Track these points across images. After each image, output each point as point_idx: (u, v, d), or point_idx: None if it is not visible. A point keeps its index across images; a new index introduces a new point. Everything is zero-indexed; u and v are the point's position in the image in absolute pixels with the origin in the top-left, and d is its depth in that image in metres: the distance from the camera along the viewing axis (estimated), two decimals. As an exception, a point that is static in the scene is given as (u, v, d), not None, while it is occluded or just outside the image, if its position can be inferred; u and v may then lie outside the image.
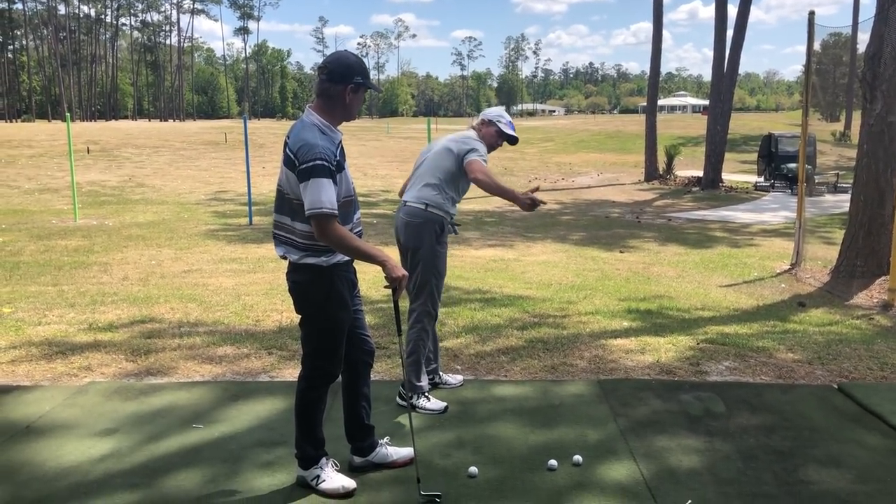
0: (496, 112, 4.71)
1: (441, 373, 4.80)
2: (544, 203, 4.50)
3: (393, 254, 3.71)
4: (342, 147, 3.30)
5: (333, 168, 3.12)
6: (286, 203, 3.25)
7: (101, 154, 30.11)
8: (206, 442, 3.93)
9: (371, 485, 3.48)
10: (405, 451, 3.71)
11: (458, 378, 4.85)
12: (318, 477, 3.38)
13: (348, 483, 3.39)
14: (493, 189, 4.30)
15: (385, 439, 3.75)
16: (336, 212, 3.10)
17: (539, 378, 4.99)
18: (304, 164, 3.07)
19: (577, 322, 6.55)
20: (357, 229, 3.35)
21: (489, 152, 4.56)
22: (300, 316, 3.38)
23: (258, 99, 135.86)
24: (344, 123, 3.34)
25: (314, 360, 3.38)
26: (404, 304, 4.13)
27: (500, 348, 5.64)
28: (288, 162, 3.16)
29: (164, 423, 4.16)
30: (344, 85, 3.21)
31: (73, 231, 12.69)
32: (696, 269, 10.39)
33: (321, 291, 3.27)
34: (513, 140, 4.67)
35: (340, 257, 3.28)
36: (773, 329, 6.57)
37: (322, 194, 3.05)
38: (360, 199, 19.08)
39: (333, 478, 3.40)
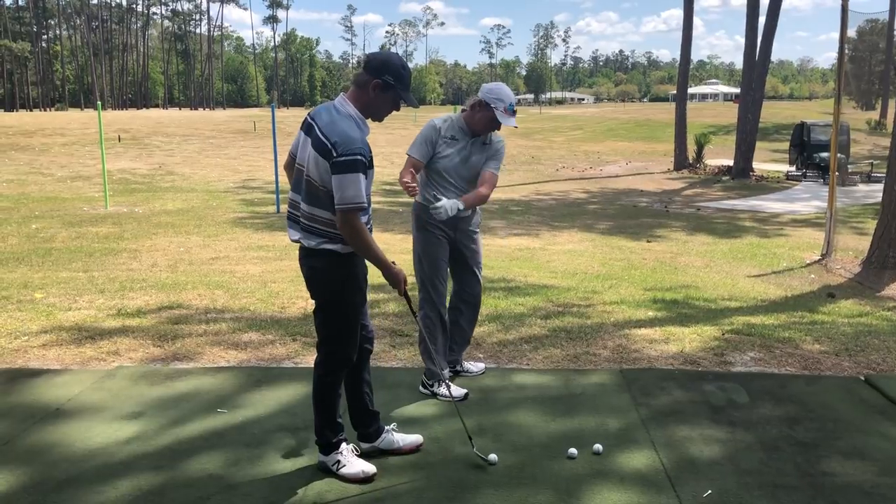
0: (495, 93, 4.21)
1: (463, 361, 4.81)
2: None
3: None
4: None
5: (367, 164, 3.14)
6: (312, 189, 3.22)
7: (131, 142, 30.48)
8: (229, 426, 3.98)
9: (391, 470, 3.51)
10: (412, 438, 3.73)
11: (480, 366, 4.86)
12: (338, 462, 3.42)
13: (368, 468, 3.42)
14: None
15: (392, 426, 3.76)
16: (364, 205, 3.14)
17: (561, 367, 4.99)
18: (344, 156, 3.06)
19: (601, 311, 6.52)
20: (369, 224, 3.35)
21: (475, 138, 4.33)
22: (316, 302, 3.40)
23: (287, 87, 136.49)
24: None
25: (331, 346, 3.41)
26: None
27: (523, 337, 5.64)
28: (322, 150, 3.12)
29: (189, 407, 4.23)
30: (372, 77, 3.20)
31: (104, 218, 12.88)
32: (724, 258, 10.29)
33: (339, 276, 3.30)
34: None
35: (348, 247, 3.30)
36: (800, 320, 6.50)
37: (359, 188, 3.08)
38: (387, 187, 19.13)
39: (353, 463, 3.43)
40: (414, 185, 4.11)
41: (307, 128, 3.27)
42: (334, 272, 3.30)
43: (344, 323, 3.37)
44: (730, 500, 3.24)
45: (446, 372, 4.50)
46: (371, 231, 3.35)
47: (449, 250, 4.48)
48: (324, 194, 3.18)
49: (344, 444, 3.47)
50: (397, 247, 10.25)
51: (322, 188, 3.18)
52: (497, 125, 4.28)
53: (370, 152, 3.17)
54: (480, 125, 4.29)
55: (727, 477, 3.44)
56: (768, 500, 3.24)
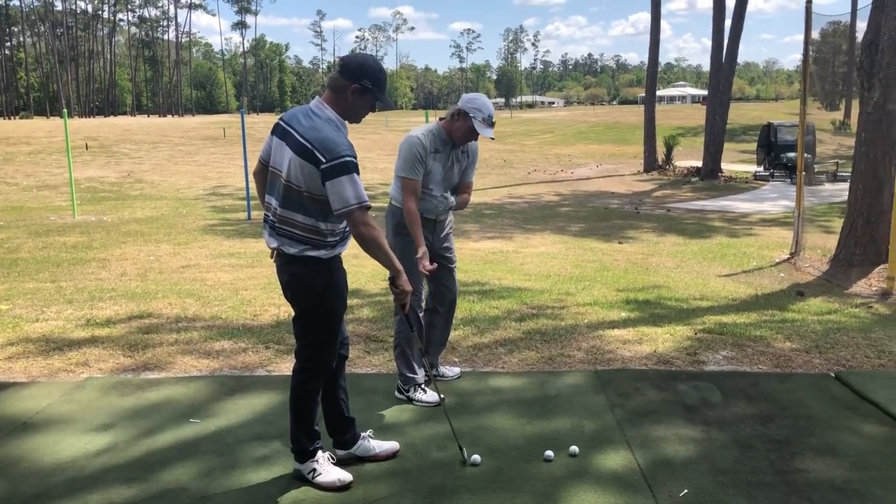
0: (475, 104, 4.24)
1: (439, 365, 4.80)
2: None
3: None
4: None
5: (356, 163, 3.12)
6: (291, 194, 3.17)
7: (99, 150, 30.09)
8: (202, 436, 3.93)
9: (367, 477, 3.48)
10: (389, 445, 3.71)
11: (456, 370, 4.85)
12: (314, 470, 3.39)
13: (344, 476, 3.39)
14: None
15: (368, 432, 3.73)
16: (368, 203, 3.11)
17: (536, 369, 4.99)
18: (334, 160, 3.03)
19: (575, 313, 6.54)
20: (347, 230, 3.31)
21: (455, 147, 4.37)
22: (296, 309, 3.36)
23: (257, 93, 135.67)
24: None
25: (311, 353, 3.38)
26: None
27: (498, 340, 5.64)
28: (307, 155, 3.07)
29: (161, 417, 4.16)
30: (350, 82, 3.18)
31: (72, 227, 12.69)
32: (694, 259, 10.39)
33: (321, 284, 3.27)
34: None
35: (339, 249, 3.28)
36: (771, 318, 6.57)
37: (357, 189, 3.06)
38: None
39: (329, 471, 3.40)
40: (431, 267, 4.23)
41: (281, 132, 3.23)
42: (316, 279, 3.26)
43: (324, 330, 3.34)
44: (706, 500, 3.25)
45: (421, 376, 4.48)
46: (347, 238, 3.34)
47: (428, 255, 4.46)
48: (307, 199, 3.15)
49: (320, 452, 3.44)
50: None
51: (306, 193, 3.14)
52: (475, 135, 4.27)
53: (356, 154, 3.15)
54: (459, 134, 4.27)
55: (703, 476, 3.46)
56: (744, 499, 3.26)
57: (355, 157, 3.10)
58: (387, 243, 3.24)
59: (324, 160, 3.04)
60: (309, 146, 3.08)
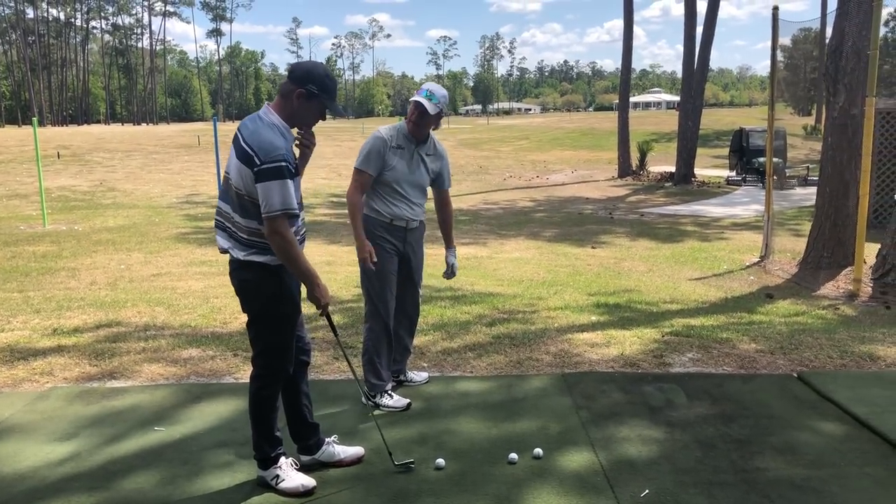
0: (421, 89, 4.37)
1: (407, 371, 4.81)
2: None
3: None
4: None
5: (293, 170, 3.13)
6: (237, 198, 3.21)
7: (71, 159, 29.79)
8: (166, 444, 3.91)
9: (331, 482, 3.48)
10: (353, 450, 3.71)
11: (423, 375, 4.86)
12: (277, 476, 3.38)
13: (307, 482, 3.39)
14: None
15: (333, 437, 3.73)
16: (295, 211, 3.12)
17: (504, 373, 5.01)
18: (267, 163, 3.05)
19: (545, 317, 6.58)
20: (302, 231, 3.35)
21: (419, 145, 4.40)
22: (249, 315, 3.37)
23: (232, 101, 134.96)
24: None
25: (266, 359, 3.37)
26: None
27: (468, 344, 5.65)
28: (245, 158, 3.10)
29: (126, 426, 4.13)
30: (295, 87, 3.20)
31: (42, 237, 12.56)
32: (666, 263, 10.48)
33: (270, 289, 3.27)
34: (428, 115, 4.25)
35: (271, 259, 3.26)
36: (739, 321, 6.64)
37: (285, 195, 3.06)
38: (335, 199, 19.01)
39: (293, 477, 3.39)
40: (374, 260, 4.24)
41: (234, 139, 3.25)
42: (265, 285, 3.26)
43: (277, 336, 3.34)
44: (667, 500, 3.29)
45: (389, 385, 4.48)
46: (304, 242, 3.34)
47: (397, 263, 4.47)
48: (248, 203, 3.17)
49: (283, 458, 3.43)
50: (344, 258, 10.21)
51: (247, 197, 3.16)
52: (418, 107, 4.25)
53: (295, 160, 3.17)
54: (412, 119, 4.31)
55: (664, 476, 3.50)
56: (704, 498, 3.30)
57: (291, 164, 3.10)
58: (301, 255, 3.19)
59: (258, 162, 3.06)
60: (249, 150, 3.10)
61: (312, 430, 3.64)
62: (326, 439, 3.69)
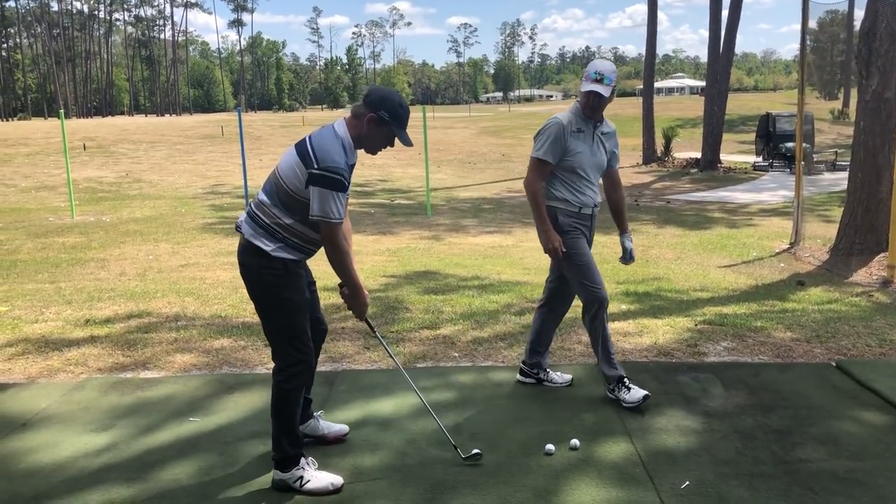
0: (587, 69, 4.17)
1: (549, 369, 4.59)
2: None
3: None
4: (353, 170, 3.34)
5: (347, 185, 3.19)
6: (276, 186, 3.28)
7: (97, 150, 30.05)
8: (202, 434, 3.92)
9: (368, 474, 3.46)
10: (337, 427, 3.80)
11: (567, 377, 4.56)
12: (301, 478, 3.31)
13: (336, 480, 3.34)
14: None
15: (318, 412, 3.82)
16: (341, 221, 3.19)
17: (536, 363, 4.97)
18: (325, 171, 3.12)
19: (574, 306, 6.50)
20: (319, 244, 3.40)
21: (596, 125, 4.21)
22: (256, 306, 3.38)
23: (254, 91, 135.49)
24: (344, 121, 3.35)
25: (282, 351, 3.36)
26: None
27: (498, 334, 5.62)
28: (304, 156, 3.17)
29: (161, 416, 4.15)
30: (369, 111, 3.25)
31: (71, 228, 12.68)
32: (694, 250, 10.37)
33: (270, 277, 3.27)
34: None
35: (289, 254, 3.28)
36: (771, 308, 6.55)
37: (339, 206, 3.16)
38: (358, 188, 19.04)
39: (319, 476, 3.33)
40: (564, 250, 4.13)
41: (301, 140, 3.29)
42: (265, 272, 3.27)
43: (288, 326, 3.33)
44: (707, 491, 3.24)
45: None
46: (304, 254, 3.38)
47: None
48: (284, 193, 3.23)
49: (303, 459, 3.38)
50: (370, 248, 10.22)
51: (286, 187, 3.21)
52: (594, 96, 4.07)
53: (350, 177, 3.23)
54: (589, 107, 4.12)
55: (704, 467, 3.45)
56: (745, 490, 3.25)
57: (346, 179, 3.17)
58: (350, 262, 3.32)
59: (316, 166, 3.13)
60: (310, 150, 3.18)
61: (305, 403, 3.65)
62: (314, 413, 3.76)
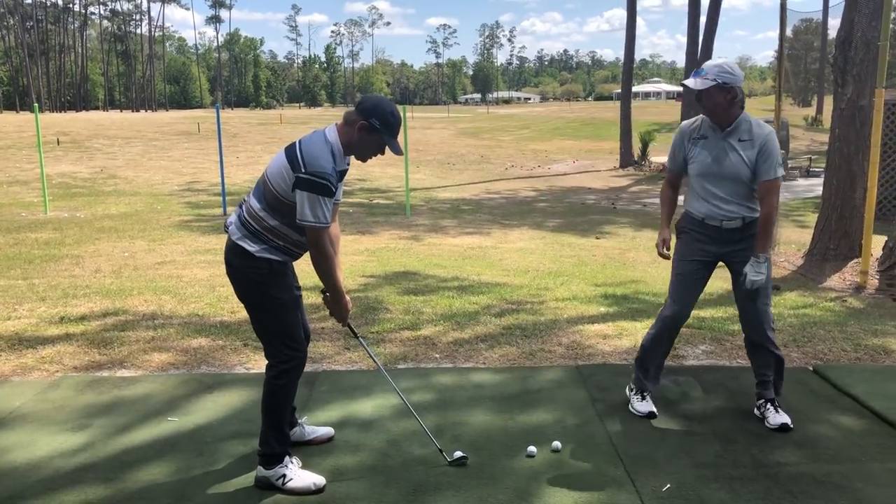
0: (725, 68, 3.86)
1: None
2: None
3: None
4: (343, 177, 3.36)
5: (333, 191, 3.19)
6: (263, 189, 3.28)
7: (71, 145, 29.67)
8: (181, 434, 3.88)
9: (349, 475, 3.45)
10: (323, 431, 3.80)
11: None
12: (284, 476, 3.30)
13: (318, 479, 3.33)
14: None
15: (304, 419, 3.82)
16: (326, 226, 3.19)
17: (517, 364, 4.98)
18: (312, 176, 3.12)
19: (554, 308, 6.54)
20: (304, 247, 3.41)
21: (724, 129, 3.91)
22: (245, 305, 3.39)
23: (231, 88, 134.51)
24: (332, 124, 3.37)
25: (274, 348, 3.35)
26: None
27: (478, 335, 5.62)
28: (293, 160, 3.17)
29: (138, 416, 4.10)
30: (360, 118, 3.25)
31: (44, 224, 12.49)
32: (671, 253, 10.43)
33: (255, 277, 3.27)
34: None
35: (274, 255, 3.28)
36: (748, 312, 6.60)
37: (325, 211, 3.16)
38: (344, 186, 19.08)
39: (301, 476, 3.32)
40: (668, 253, 4.09)
41: (291, 144, 3.29)
42: (251, 273, 3.27)
43: (277, 323, 3.32)
44: (688, 494, 3.26)
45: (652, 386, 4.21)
46: (289, 256, 3.38)
47: (711, 266, 4.10)
48: (271, 196, 3.23)
49: (288, 457, 3.37)
50: (349, 247, 10.17)
51: (274, 191, 3.22)
52: (688, 90, 3.87)
53: (337, 182, 3.23)
54: (709, 107, 3.85)
55: (685, 470, 3.47)
56: (726, 493, 3.27)
57: (333, 185, 3.17)
58: (334, 268, 3.32)
59: (303, 170, 3.13)
60: (299, 154, 3.18)
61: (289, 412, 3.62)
62: (299, 420, 3.75)
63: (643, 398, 4.15)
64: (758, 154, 3.82)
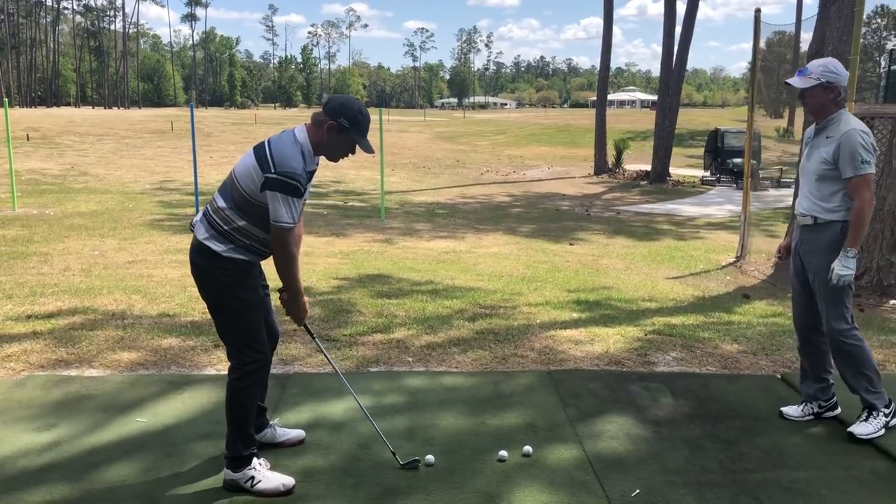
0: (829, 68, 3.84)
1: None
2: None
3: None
4: (312, 177, 3.34)
5: (303, 191, 3.18)
6: (231, 189, 3.25)
7: (41, 141, 29.26)
8: (149, 435, 3.83)
9: (320, 478, 3.43)
10: (294, 433, 3.78)
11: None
12: (252, 478, 3.28)
13: (287, 480, 3.32)
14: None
15: (275, 421, 3.80)
16: (294, 226, 3.18)
17: (490, 369, 4.99)
18: (281, 176, 3.10)
19: (527, 313, 6.57)
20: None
21: (818, 128, 3.94)
22: (208, 305, 3.35)
23: (206, 87, 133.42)
24: (304, 126, 3.35)
25: (236, 350, 3.32)
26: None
27: (451, 339, 5.62)
28: (262, 161, 3.15)
29: (106, 416, 4.05)
30: (328, 119, 3.24)
31: (12, 220, 12.30)
32: (643, 261, 10.53)
33: (221, 277, 3.24)
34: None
35: (241, 255, 3.26)
36: (718, 320, 6.69)
37: (293, 211, 3.14)
38: (311, 189, 19.05)
39: (270, 477, 3.31)
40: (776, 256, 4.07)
41: (260, 144, 3.27)
42: (216, 273, 3.24)
43: (240, 325, 3.30)
44: (657, 499, 3.29)
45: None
46: (257, 255, 3.36)
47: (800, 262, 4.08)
48: (239, 196, 3.21)
49: (255, 459, 3.35)
50: (322, 249, 10.13)
51: (242, 190, 3.20)
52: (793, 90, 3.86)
53: (307, 183, 3.22)
54: (811, 105, 3.85)
55: (654, 475, 3.50)
56: (694, 498, 3.30)
57: (302, 185, 3.16)
58: (296, 268, 3.28)
59: (273, 170, 3.11)
60: (268, 154, 3.16)
61: (259, 413, 3.61)
62: (270, 422, 3.73)
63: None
64: (834, 152, 3.79)
